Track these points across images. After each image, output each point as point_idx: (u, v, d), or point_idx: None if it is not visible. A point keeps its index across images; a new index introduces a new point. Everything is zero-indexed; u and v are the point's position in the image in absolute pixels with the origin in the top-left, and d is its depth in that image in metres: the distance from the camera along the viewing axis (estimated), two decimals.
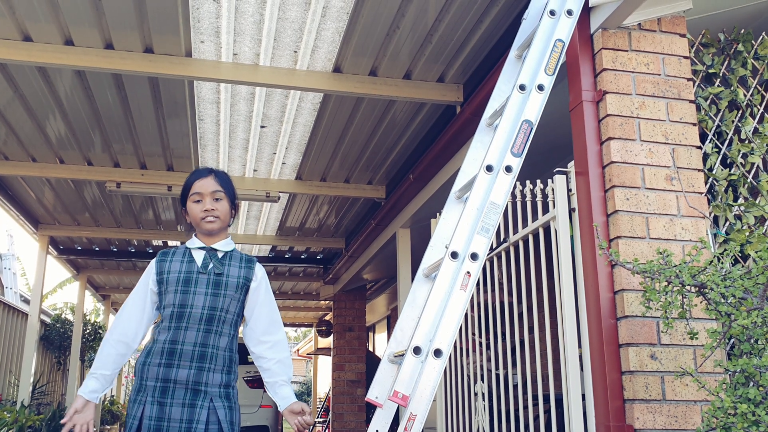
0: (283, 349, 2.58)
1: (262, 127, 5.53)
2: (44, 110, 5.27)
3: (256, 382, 9.44)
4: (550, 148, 4.55)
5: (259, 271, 2.61)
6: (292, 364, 2.61)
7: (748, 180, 3.08)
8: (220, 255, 2.55)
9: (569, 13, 2.88)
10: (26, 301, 13.44)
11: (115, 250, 9.88)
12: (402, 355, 2.28)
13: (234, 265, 2.55)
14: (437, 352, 2.21)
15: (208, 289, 2.48)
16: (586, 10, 3.09)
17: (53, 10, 3.93)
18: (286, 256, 10.31)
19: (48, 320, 11.67)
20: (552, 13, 2.87)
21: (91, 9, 3.91)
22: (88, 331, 12.49)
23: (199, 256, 2.54)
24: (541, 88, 2.69)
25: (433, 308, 2.31)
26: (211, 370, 2.42)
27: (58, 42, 4.24)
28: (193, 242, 2.58)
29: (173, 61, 4.39)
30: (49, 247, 8.80)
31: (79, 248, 9.83)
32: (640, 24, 3.10)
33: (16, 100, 5.09)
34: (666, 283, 2.32)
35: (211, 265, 2.51)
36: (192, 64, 4.42)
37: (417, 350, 2.24)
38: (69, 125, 5.54)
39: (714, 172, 3.07)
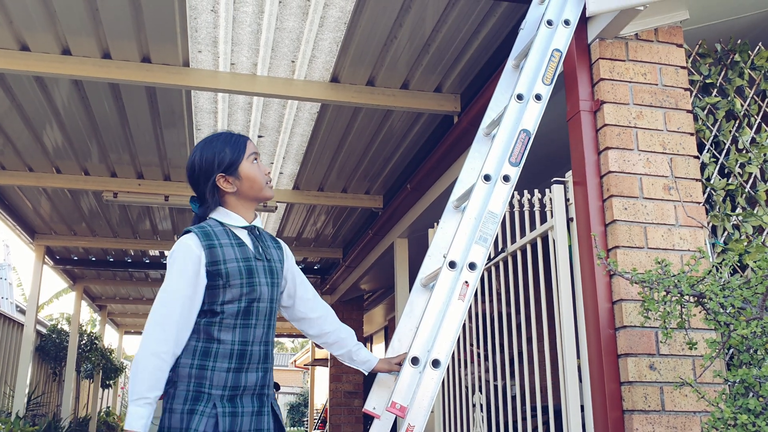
0: (336, 316, 2.35)
1: (259, 137, 5.53)
2: (41, 120, 5.26)
3: None
4: (548, 158, 4.55)
5: (287, 249, 2.31)
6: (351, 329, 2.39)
7: (746, 190, 3.08)
8: (258, 234, 2.19)
9: (566, 23, 2.88)
10: (22, 312, 13.38)
11: (111, 260, 9.86)
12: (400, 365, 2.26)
13: (271, 246, 2.21)
14: (435, 363, 2.19)
15: (267, 279, 2.12)
16: (584, 21, 3.10)
17: (50, 20, 3.93)
18: None
19: (44, 331, 11.62)
20: (549, 23, 2.88)
21: (89, 19, 3.91)
22: (84, 341, 12.44)
23: (245, 238, 2.13)
24: (538, 97, 2.69)
25: (431, 318, 2.30)
26: (270, 370, 2.13)
27: (56, 51, 4.24)
28: (231, 218, 2.13)
29: (171, 71, 4.39)
30: (46, 257, 8.78)
31: (76, 258, 9.80)
32: (637, 34, 3.11)
33: (13, 110, 5.09)
34: (665, 293, 2.31)
35: (260, 249, 2.14)
36: (189, 73, 4.42)
37: (415, 361, 2.23)
38: (66, 135, 5.53)
39: (712, 181, 3.07)
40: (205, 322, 2.03)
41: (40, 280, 8.53)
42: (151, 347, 1.94)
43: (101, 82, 4.61)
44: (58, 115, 5.18)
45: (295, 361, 24.75)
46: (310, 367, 17.62)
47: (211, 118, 5.22)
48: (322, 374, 17.60)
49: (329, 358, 10.88)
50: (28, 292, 9.71)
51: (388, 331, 13.30)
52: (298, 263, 10.12)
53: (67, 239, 8.57)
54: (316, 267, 10.42)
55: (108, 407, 14.85)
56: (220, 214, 2.12)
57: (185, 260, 2.01)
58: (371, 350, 15.40)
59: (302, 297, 2.29)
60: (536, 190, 3.35)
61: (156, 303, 2.01)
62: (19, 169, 6.28)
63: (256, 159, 2.15)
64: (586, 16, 3.02)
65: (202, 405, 1.97)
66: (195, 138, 5.55)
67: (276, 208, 6.82)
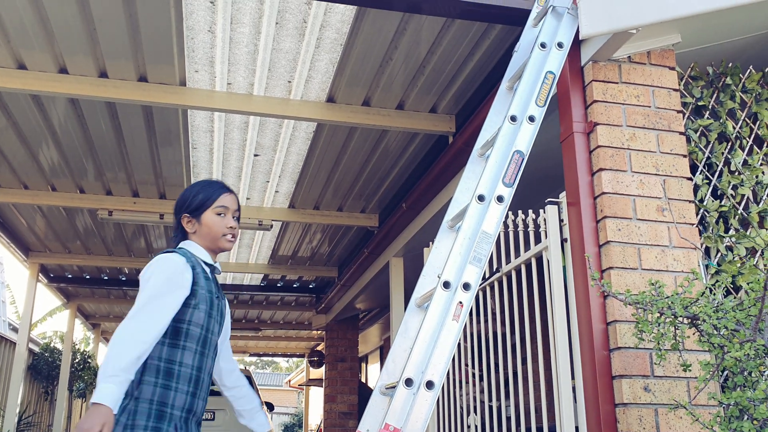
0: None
1: (255, 155, 5.54)
2: (37, 138, 5.27)
3: None
4: (543, 179, 4.57)
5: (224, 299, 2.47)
6: None
7: (739, 211, 3.10)
8: (216, 277, 2.37)
9: (560, 45, 2.91)
10: (15, 330, 13.30)
11: (106, 278, 9.82)
12: (394, 386, 2.26)
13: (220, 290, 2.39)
14: (429, 384, 2.19)
15: (218, 317, 2.29)
16: (577, 43, 3.13)
17: (48, 39, 3.96)
18: (278, 285, 10.26)
19: (36, 349, 11.54)
20: (543, 45, 2.91)
21: (86, 38, 3.94)
22: (77, 360, 12.35)
23: (209, 274, 2.30)
24: (532, 119, 2.71)
25: (425, 339, 2.29)
26: (207, 400, 2.27)
27: (53, 70, 4.26)
28: (202, 253, 2.29)
29: (167, 90, 4.41)
30: (40, 274, 8.74)
31: (70, 276, 9.76)
32: (630, 57, 3.14)
33: (10, 128, 5.10)
34: (658, 315, 2.32)
35: (215, 288, 2.31)
36: (186, 93, 4.44)
37: (409, 382, 2.22)
38: (62, 153, 5.53)
39: (705, 203, 3.09)
40: (169, 342, 2.13)
41: (33, 298, 8.49)
42: (140, 335, 2.00)
43: (98, 101, 4.63)
44: (55, 134, 5.19)
45: (289, 381, 24.59)
46: (304, 387, 17.51)
47: (208, 137, 5.23)
48: (317, 394, 17.50)
49: (324, 378, 10.82)
50: (21, 310, 9.65)
51: (384, 350, 13.25)
52: (293, 282, 10.12)
53: (62, 257, 8.54)
54: (311, 286, 10.39)
55: None
56: (191, 246, 2.29)
57: (174, 272, 2.12)
58: (366, 370, 15.33)
59: (224, 345, 2.44)
60: (530, 211, 3.36)
61: (146, 298, 2.06)
62: (14, 186, 6.27)
63: (222, 213, 2.30)
64: (579, 39, 3.05)
65: (165, 424, 2.04)
66: (191, 157, 5.56)
67: (271, 226, 6.82)
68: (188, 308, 2.15)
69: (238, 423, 2.53)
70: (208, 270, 2.28)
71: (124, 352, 1.95)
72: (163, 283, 2.09)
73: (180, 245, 2.31)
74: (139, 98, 4.38)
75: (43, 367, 11.26)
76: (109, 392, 1.89)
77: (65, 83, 4.28)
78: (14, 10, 3.68)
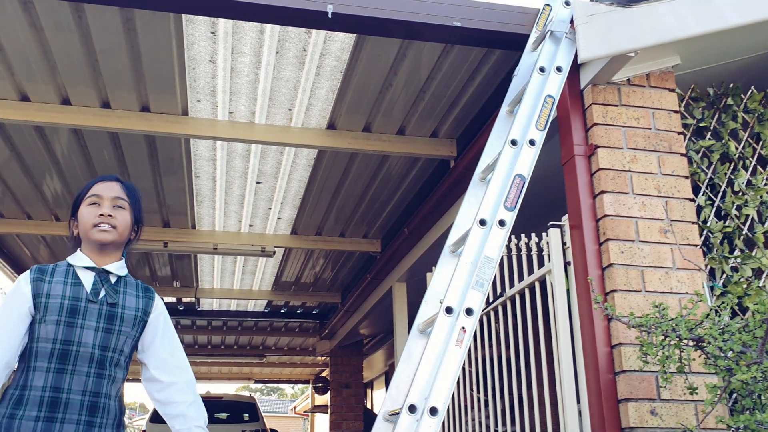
0: (194, 391, 2.15)
1: (257, 183, 5.55)
2: (41, 169, 5.30)
3: None
4: (545, 202, 4.56)
5: (159, 301, 2.19)
6: (205, 410, 2.17)
7: (744, 232, 3.09)
8: (113, 279, 2.08)
9: (558, 69, 2.93)
10: None
11: None
12: (397, 413, 2.24)
13: (130, 293, 2.10)
14: (433, 411, 2.17)
15: (99, 323, 1.99)
16: (576, 67, 3.15)
17: (51, 71, 3.99)
18: (282, 311, 10.23)
19: None
20: (542, 70, 2.92)
21: (88, 69, 3.97)
22: None
23: (87, 279, 2.04)
24: (532, 143, 2.72)
25: (428, 365, 2.28)
26: (102, 425, 1.95)
27: (55, 101, 4.29)
28: (79, 259, 2.07)
29: (170, 120, 4.43)
30: None
31: None
32: (629, 80, 3.15)
33: (13, 159, 5.12)
34: (663, 337, 2.30)
35: (103, 293, 2.03)
36: (188, 122, 4.47)
37: (412, 408, 2.20)
38: (65, 183, 5.56)
39: (708, 224, 3.08)
40: (23, 367, 1.95)
41: None
42: None
43: (101, 131, 4.66)
44: (58, 164, 5.21)
45: (295, 407, 24.41)
46: (310, 413, 17.38)
47: (210, 166, 5.25)
48: (323, 421, 17.35)
49: (329, 404, 10.74)
50: None
51: (389, 376, 13.16)
52: (297, 308, 10.09)
53: None
54: (315, 311, 10.36)
55: None
56: (72, 256, 2.10)
57: (12, 291, 1.99)
58: (372, 396, 15.22)
59: (155, 354, 2.13)
60: (533, 234, 3.35)
61: None
62: (18, 217, 6.29)
63: (95, 202, 2.08)
64: (578, 62, 3.07)
65: None
66: (194, 185, 5.58)
67: (274, 252, 6.81)
68: (34, 324, 1.95)
69: None
70: (87, 275, 2.04)
71: None
72: (1, 305, 1.98)
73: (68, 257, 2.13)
74: (141, 128, 4.40)
75: None
76: None
77: (68, 114, 4.31)
78: (17, 42, 3.72)
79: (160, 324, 2.16)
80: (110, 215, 2.06)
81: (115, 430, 2.00)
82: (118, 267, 2.11)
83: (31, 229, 6.36)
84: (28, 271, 2.02)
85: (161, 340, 2.15)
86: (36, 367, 1.92)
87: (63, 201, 5.95)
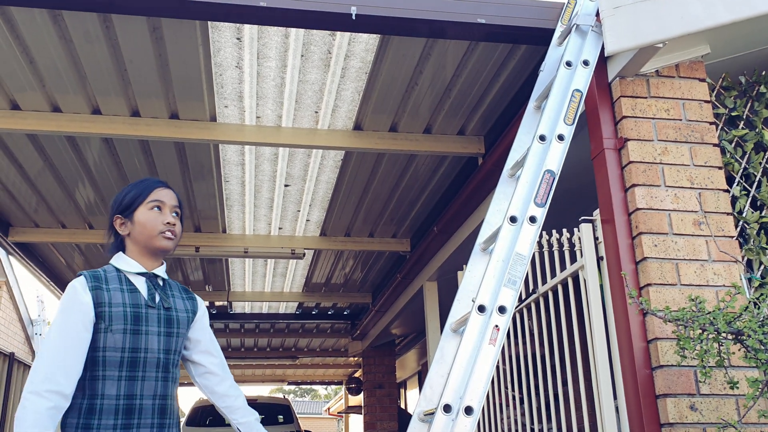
0: (239, 386, 2.27)
1: (286, 186, 5.59)
2: (73, 178, 5.39)
3: None
4: (576, 197, 4.52)
5: (201, 301, 2.28)
6: None
7: None
8: (161, 283, 2.14)
9: (585, 63, 2.90)
10: None
11: None
12: (432, 413, 2.23)
13: (177, 296, 2.17)
14: (468, 410, 2.16)
15: (160, 328, 2.05)
16: (603, 60, 3.11)
17: (81, 82, 4.05)
18: (313, 312, 10.28)
19: None
20: (568, 64, 2.90)
21: (118, 79, 4.03)
22: None
23: (141, 285, 2.08)
24: (561, 137, 2.69)
25: (461, 364, 2.27)
26: (170, 426, 2.04)
27: (86, 111, 4.36)
28: (128, 264, 2.09)
29: (198, 126, 4.48)
30: None
31: None
32: (657, 71, 3.11)
33: (47, 170, 5.22)
34: (700, 331, 2.26)
35: (158, 298, 2.08)
36: (217, 128, 4.51)
37: (447, 408, 2.19)
38: (98, 191, 5.64)
39: (744, 215, 3.02)
40: (89, 376, 1.95)
41: None
42: (32, 387, 1.85)
43: (131, 140, 4.72)
44: (90, 173, 5.30)
45: (328, 408, 24.51)
46: (344, 414, 17.43)
47: (239, 170, 5.30)
48: (357, 422, 17.39)
49: (363, 405, 10.76)
50: None
51: (422, 376, 13.14)
52: (328, 309, 10.13)
53: None
54: (346, 312, 10.39)
55: None
56: (118, 260, 2.10)
57: (71, 301, 1.97)
58: (405, 396, 15.21)
59: (209, 361, 2.22)
60: (565, 230, 3.32)
61: (42, 347, 1.96)
62: (52, 226, 6.40)
63: (158, 207, 2.10)
64: (605, 55, 3.03)
65: None
66: (224, 189, 5.63)
67: (304, 254, 6.84)
68: (99, 333, 1.96)
69: None
70: (141, 281, 2.08)
71: (24, 413, 1.83)
72: (62, 320, 1.96)
73: (111, 261, 2.13)
74: (171, 135, 4.45)
75: None
76: None
77: (99, 124, 4.37)
78: (48, 54, 3.79)
79: (206, 322, 2.24)
80: (174, 223, 2.13)
81: (177, 429, 2.08)
82: (162, 271, 2.16)
83: (65, 237, 6.47)
84: (82, 279, 2.01)
85: (210, 337, 2.24)
86: (106, 376, 1.95)
87: (96, 209, 6.04)
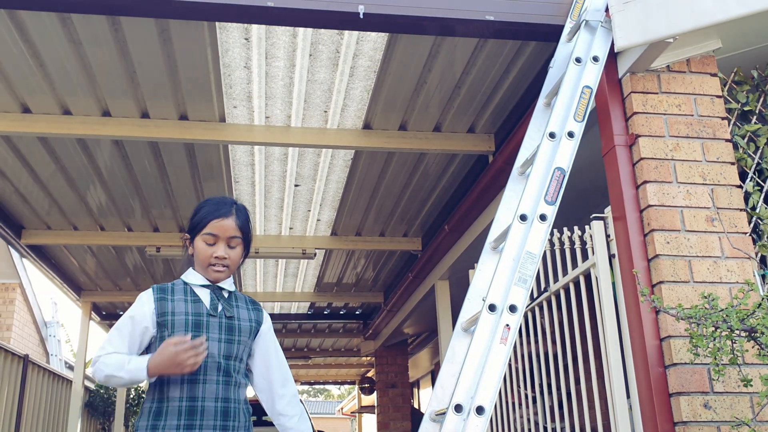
0: (299, 403, 2.34)
1: (296, 186, 5.59)
2: (84, 180, 5.41)
3: None
4: (587, 194, 4.49)
5: (267, 314, 2.37)
6: (309, 422, 2.38)
7: None
8: (225, 295, 2.26)
9: (595, 59, 2.88)
10: (71, 368, 13.58)
11: None
12: (443, 413, 2.22)
13: (242, 306, 2.29)
14: (479, 410, 2.15)
15: (221, 335, 2.18)
16: (612, 56, 3.09)
17: (91, 84, 4.07)
18: (325, 312, 10.29)
19: (92, 386, 11.75)
20: (578, 60, 2.87)
21: (127, 81, 4.04)
22: (132, 396, 12.53)
23: (204, 295, 2.22)
24: (571, 135, 2.67)
25: (472, 364, 2.26)
26: (235, 428, 2.14)
27: (96, 114, 4.38)
28: (195, 277, 2.26)
29: (208, 127, 4.49)
30: (92, 313, 8.92)
31: (122, 313, 9.86)
32: (668, 66, 3.08)
33: (58, 172, 5.24)
34: (713, 329, 2.24)
35: (220, 307, 2.22)
36: (226, 128, 4.51)
37: (458, 408, 2.18)
38: (109, 193, 5.67)
39: (757, 210, 2.99)
40: (157, 381, 2.11)
41: (87, 336, 8.65)
42: (96, 358, 2.13)
43: (141, 141, 4.74)
44: (101, 175, 5.32)
45: (342, 408, 24.54)
46: (357, 414, 17.44)
47: (249, 170, 5.30)
48: (370, 421, 17.39)
49: (376, 404, 10.75)
50: (76, 348, 9.85)
51: (435, 375, 13.12)
52: (340, 308, 10.13)
53: (113, 295, 8.71)
54: (357, 312, 10.38)
55: None
56: (187, 274, 2.28)
57: (134, 308, 2.18)
58: (418, 396, 15.19)
59: (270, 374, 2.30)
60: (576, 227, 3.30)
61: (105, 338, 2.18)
62: (64, 228, 6.44)
63: (212, 242, 2.21)
64: (615, 51, 3.01)
65: None
66: (234, 190, 5.64)
67: (315, 254, 6.84)
68: (163, 340, 2.11)
69: None
70: (204, 292, 2.22)
71: (106, 368, 2.10)
72: (124, 320, 2.18)
73: (182, 275, 2.31)
74: (180, 136, 4.46)
75: (99, 404, 11.44)
76: (134, 363, 2.08)
77: (109, 126, 4.39)
78: (57, 57, 3.80)
79: (271, 336, 2.34)
80: (225, 257, 2.22)
81: (245, 431, 2.19)
82: (229, 284, 2.28)
83: (77, 239, 6.51)
84: (149, 290, 2.22)
85: (275, 353, 2.33)
86: (170, 380, 2.09)
87: (107, 211, 6.07)
